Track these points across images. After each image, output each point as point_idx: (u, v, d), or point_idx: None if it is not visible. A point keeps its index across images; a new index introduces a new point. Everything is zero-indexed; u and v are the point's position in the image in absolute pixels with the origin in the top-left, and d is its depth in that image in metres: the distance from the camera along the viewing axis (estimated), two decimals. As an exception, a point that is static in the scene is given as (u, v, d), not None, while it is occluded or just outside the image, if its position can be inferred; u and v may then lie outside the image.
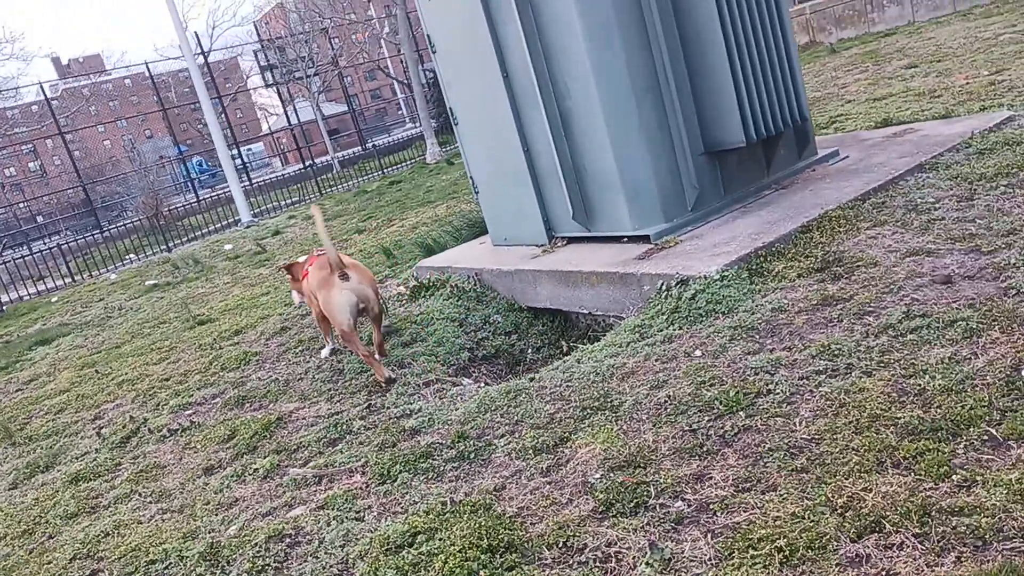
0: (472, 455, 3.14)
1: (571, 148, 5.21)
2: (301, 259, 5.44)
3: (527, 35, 5.00)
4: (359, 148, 31.87)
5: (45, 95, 27.96)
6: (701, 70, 4.88)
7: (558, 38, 4.94)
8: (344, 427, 3.88)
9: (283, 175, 27.69)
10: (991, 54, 8.30)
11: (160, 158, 49.54)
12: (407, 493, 3.00)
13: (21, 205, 55.30)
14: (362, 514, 2.93)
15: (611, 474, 2.64)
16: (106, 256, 17.96)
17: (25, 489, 4.30)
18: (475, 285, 5.76)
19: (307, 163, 26.64)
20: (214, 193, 32.17)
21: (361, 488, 3.17)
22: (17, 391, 6.88)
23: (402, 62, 63.14)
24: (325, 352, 5.26)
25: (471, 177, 6.33)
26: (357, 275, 4.56)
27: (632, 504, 2.43)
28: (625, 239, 5.08)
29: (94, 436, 4.86)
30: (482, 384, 4.52)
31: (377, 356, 4.65)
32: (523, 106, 5.43)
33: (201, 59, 23.02)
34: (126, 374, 6.16)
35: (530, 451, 3.02)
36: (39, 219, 55.23)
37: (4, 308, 13.40)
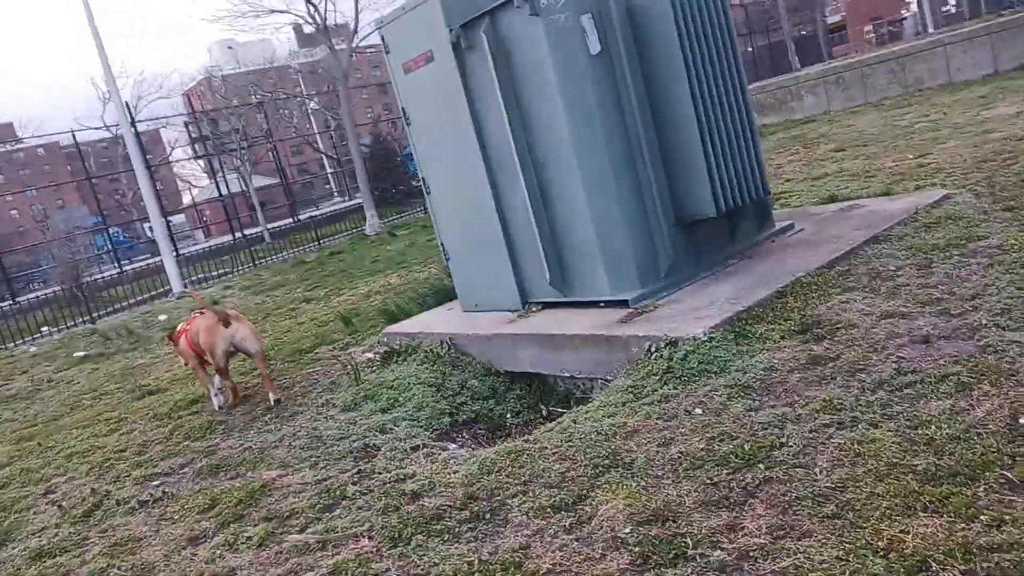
0: (487, 516, 3.11)
1: (549, 217, 5.38)
2: (180, 327, 6.39)
3: (508, 112, 5.21)
4: (290, 220, 31.57)
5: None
6: (674, 146, 5.17)
7: (539, 114, 5.17)
8: (337, 492, 3.77)
9: (210, 246, 27.13)
10: (911, 140, 9.08)
11: (75, 228, 47.69)
12: (424, 555, 2.94)
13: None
14: (382, 578, 2.85)
15: (641, 528, 2.67)
16: (21, 328, 16.99)
17: (-23, 570, 3.96)
18: (448, 350, 5.76)
19: (237, 235, 26.20)
20: (132, 265, 31.09)
21: (372, 552, 3.08)
22: (-56, 467, 6.36)
23: (331, 137, 63.65)
24: (218, 401, 6.01)
25: (441, 244, 6.42)
26: (236, 324, 5.78)
27: (671, 556, 2.46)
28: (602, 304, 5.22)
29: (52, 510, 4.54)
30: (466, 448, 4.49)
31: (268, 387, 5.77)
32: (500, 177, 5.61)
33: (133, 129, 22.61)
34: (73, 446, 5.80)
35: (548, 510, 3.02)
36: (-63, 290, 51.90)
37: (-90, 382, 12.41)
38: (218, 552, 3.43)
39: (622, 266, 5.13)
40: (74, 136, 24.88)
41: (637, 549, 2.53)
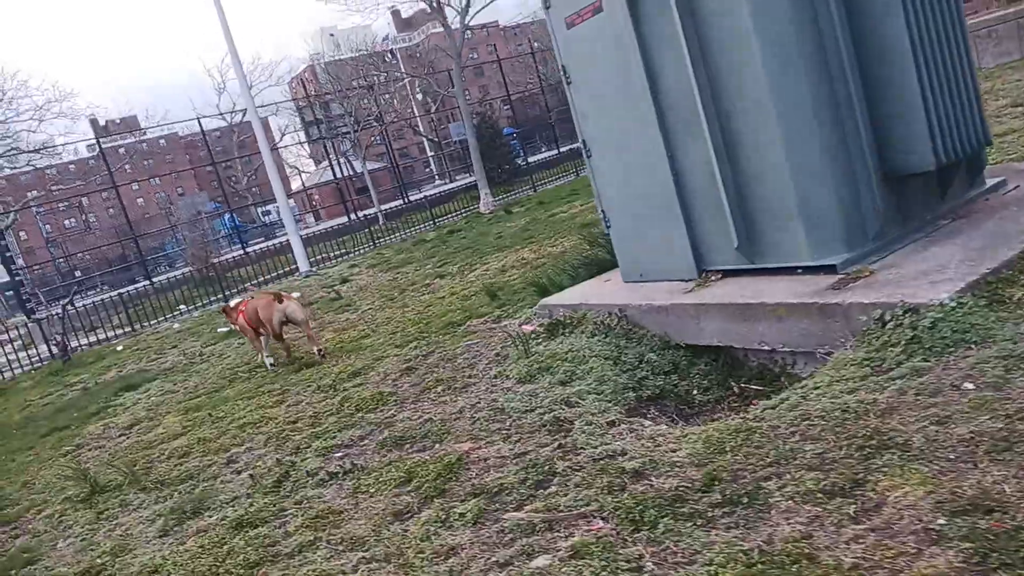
0: (742, 499, 2.76)
1: (734, 175, 4.93)
2: (232, 303, 8.48)
3: (692, 58, 4.78)
4: (400, 201, 32.06)
5: (102, 151, 28.53)
6: (884, 92, 4.62)
7: (727, 60, 4.71)
8: (544, 468, 3.52)
9: (324, 229, 27.82)
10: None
11: (197, 213, 50.25)
12: (679, 540, 2.62)
13: (59, 261, 56.08)
14: (637, 564, 2.55)
15: (959, 519, 2.25)
16: (157, 307, 17.86)
17: (181, 536, 3.95)
18: (619, 322, 5.43)
19: (352, 216, 26.77)
20: (251, 247, 32.33)
21: (612, 534, 2.79)
22: (120, 436, 6.58)
23: (432, 120, 64.30)
24: (269, 362, 7.70)
25: (602, 211, 6.07)
26: (287, 300, 7.49)
27: (1020, 554, 2.04)
28: (799, 270, 4.75)
29: (239, 479, 4.53)
30: (663, 425, 4.15)
31: (315, 345, 7.41)
32: (675, 133, 5.20)
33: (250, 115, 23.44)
34: (244, 417, 5.84)
35: (818, 495, 2.64)
36: (77, 274, 56.00)
37: (70, 356, 13.23)
38: (431, 528, 3.23)
39: (825, 227, 4.63)
40: (200, 123, 26.06)
41: (969, 545, 2.12)
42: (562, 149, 35.28)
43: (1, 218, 26.69)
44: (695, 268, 5.37)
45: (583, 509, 3.03)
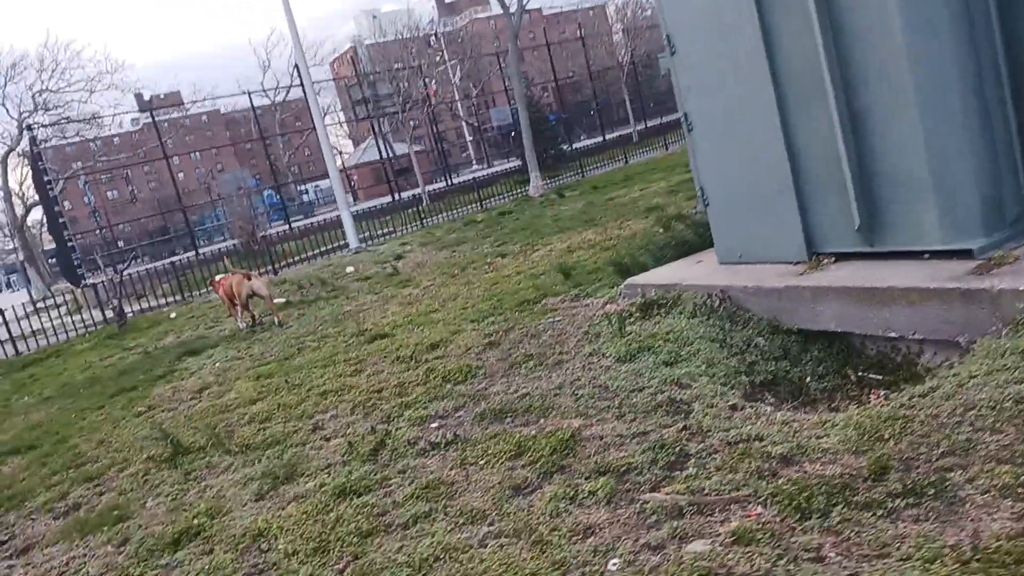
0: (927, 491, 2.50)
1: (858, 150, 4.63)
2: (218, 278, 10.18)
3: (820, 21, 4.48)
4: (443, 183, 31.91)
5: (155, 123, 28.80)
6: (1034, 64, 4.28)
7: (857, 24, 4.41)
8: (675, 449, 3.29)
9: (367, 208, 27.76)
10: None
11: (239, 188, 50.63)
12: (860, 531, 2.38)
13: (103, 231, 56.95)
14: (817, 554, 2.32)
15: None
16: (205, 277, 17.90)
17: (279, 501, 3.79)
18: (720, 304, 5.17)
19: (396, 196, 26.69)
20: (293, 223, 32.41)
21: (776, 521, 2.56)
22: (191, 399, 6.49)
23: (472, 105, 64.02)
24: (242, 325, 9.51)
25: (700, 189, 5.81)
26: (255, 279, 9.44)
27: None
28: (926, 255, 4.45)
29: (330, 446, 4.37)
30: (791, 412, 3.90)
31: (276, 317, 9.32)
32: (792, 104, 4.91)
33: (299, 93, 23.45)
34: (324, 385, 5.69)
35: (1019, 489, 2.37)
36: (120, 244, 56.90)
37: (126, 321, 13.29)
38: (560, 505, 3.03)
39: (961, 209, 4.33)
40: (250, 98, 26.09)
41: None
42: (607, 136, 34.84)
43: (52, 187, 27.05)
44: (805, 250, 5.09)
45: (734, 494, 2.81)
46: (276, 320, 9.21)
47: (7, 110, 36.34)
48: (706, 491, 2.87)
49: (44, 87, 36.13)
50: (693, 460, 3.17)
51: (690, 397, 3.94)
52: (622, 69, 41.74)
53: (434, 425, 4.34)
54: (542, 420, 4.01)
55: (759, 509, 2.66)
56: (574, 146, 33.46)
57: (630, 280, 6.18)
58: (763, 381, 4.44)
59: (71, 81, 37.10)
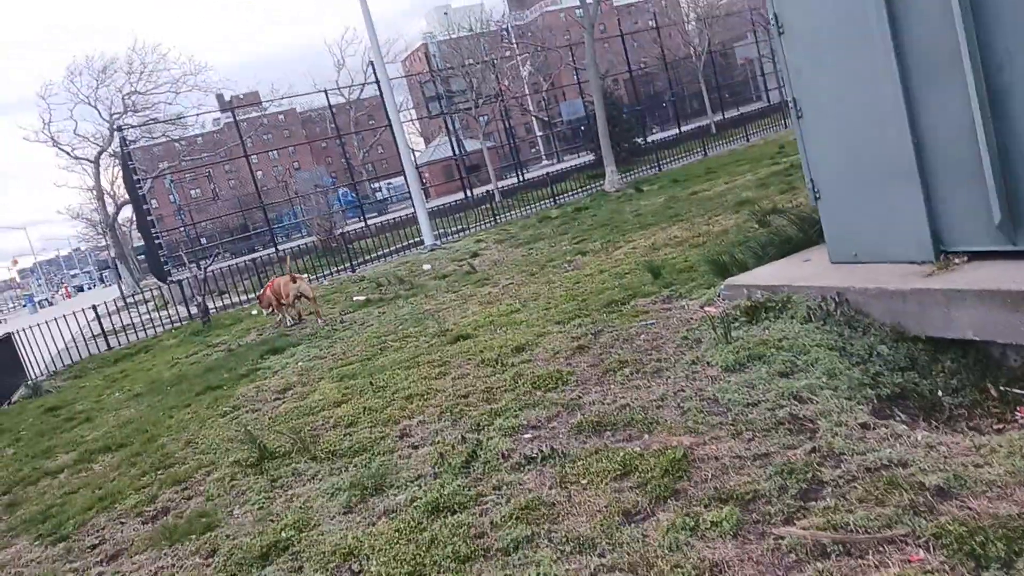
0: None
1: (999, 137, 4.14)
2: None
3: (959, -6, 4.01)
4: (515, 180, 31.74)
5: (237, 124, 29.61)
6: None
7: (1004, -3, 3.92)
8: (804, 475, 2.94)
9: (440, 205, 27.83)
10: None
11: (315, 187, 51.76)
12: (1060, 590, 2.00)
13: (187, 228, 59.12)
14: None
15: None
16: (283, 274, 18.16)
17: (368, 515, 3.61)
18: (837, 307, 4.74)
19: (468, 192, 26.65)
20: (369, 221, 32.80)
21: (944, 570, 2.19)
22: (275, 399, 6.44)
23: (542, 100, 63.64)
24: (285, 322, 10.71)
25: (811, 180, 5.37)
26: (299, 281, 10.43)
27: None
28: (1085, 255, 3.93)
29: (419, 455, 4.17)
30: (919, 431, 3.47)
31: (318, 317, 10.29)
32: (918, 86, 4.45)
33: (373, 91, 23.66)
34: (409, 388, 5.52)
35: None
36: (203, 241, 59.03)
37: (210, 318, 13.57)
38: (679, 536, 2.72)
39: None
40: (327, 95, 26.40)
41: None
42: (683, 128, 33.96)
43: (140, 186, 28.12)
44: (932, 249, 4.62)
45: (887, 532, 2.44)
46: (319, 320, 10.12)
47: (99, 112, 38.03)
48: (851, 527, 2.52)
49: (133, 89, 37.69)
50: (829, 489, 2.81)
51: (813, 413, 3.56)
52: (698, 59, 40.66)
53: (527, 436, 4.08)
54: (646, 436, 3.71)
55: (921, 553, 2.30)
56: (649, 139, 32.73)
57: (730, 280, 5.78)
58: (890, 395, 4.00)
59: (158, 83, 38.61)
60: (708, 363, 4.49)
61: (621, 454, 3.51)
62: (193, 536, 3.92)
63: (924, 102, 4.45)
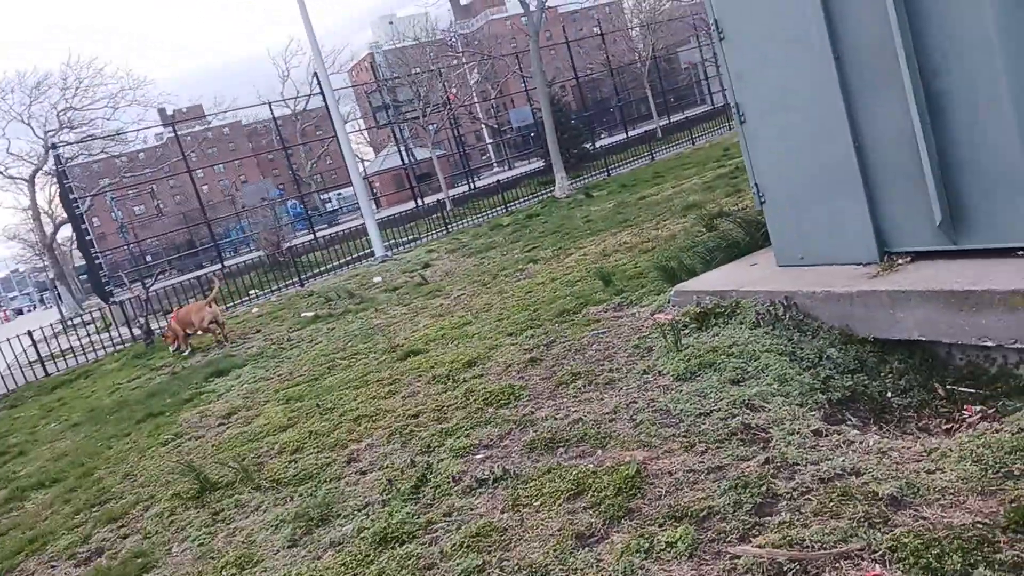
0: (1090, 545, 2.08)
1: (938, 140, 4.19)
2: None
3: None
4: (466, 188, 31.61)
5: (178, 138, 28.89)
6: None
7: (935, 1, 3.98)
8: (760, 488, 2.88)
9: (391, 215, 27.55)
10: None
11: (262, 200, 50.84)
12: (1016, 602, 1.96)
13: (131, 246, 57.39)
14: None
15: None
16: (232, 291, 17.74)
17: (314, 548, 3.45)
18: (786, 311, 4.74)
19: (419, 201, 26.42)
20: (318, 233, 32.29)
21: (904, 586, 2.15)
22: (219, 425, 6.19)
23: (491, 107, 63.70)
24: (182, 350, 10.78)
25: (755, 184, 5.38)
26: (213, 306, 10.78)
27: None
28: (1021, 252, 3.99)
29: (368, 482, 4.01)
30: (879, 436, 3.47)
31: (225, 340, 10.51)
32: (859, 91, 4.49)
33: (319, 101, 23.32)
34: (357, 409, 5.35)
35: None
36: (148, 259, 57.34)
37: (153, 339, 13.11)
38: (634, 560, 2.63)
39: (1063, 201, 3.86)
40: (270, 108, 25.97)
41: None
42: (630, 133, 34.31)
43: (79, 205, 27.19)
44: (876, 250, 4.66)
45: (843, 547, 2.39)
46: (227, 346, 10.34)
47: (33, 130, 36.73)
48: (807, 543, 2.46)
49: (68, 105, 36.48)
50: (784, 503, 2.76)
51: (766, 422, 3.53)
52: (642, 64, 41.16)
53: (479, 456, 3.97)
54: (599, 451, 3.63)
55: (877, 568, 2.25)
56: (597, 144, 32.96)
57: (680, 286, 5.76)
58: (840, 398, 4.00)
59: (94, 99, 37.43)
60: (660, 372, 4.45)
61: (574, 472, 3.42)
62: (127, 580, 3.70)
63: (865, 107, 4.49)
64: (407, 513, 3.50)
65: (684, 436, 3.55)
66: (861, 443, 3.20)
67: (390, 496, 3.75)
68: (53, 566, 4.22)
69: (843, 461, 2.97)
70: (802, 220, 5.08)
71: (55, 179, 34.44)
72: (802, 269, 5.11)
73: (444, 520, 3.37)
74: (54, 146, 26.76)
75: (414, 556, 3.10)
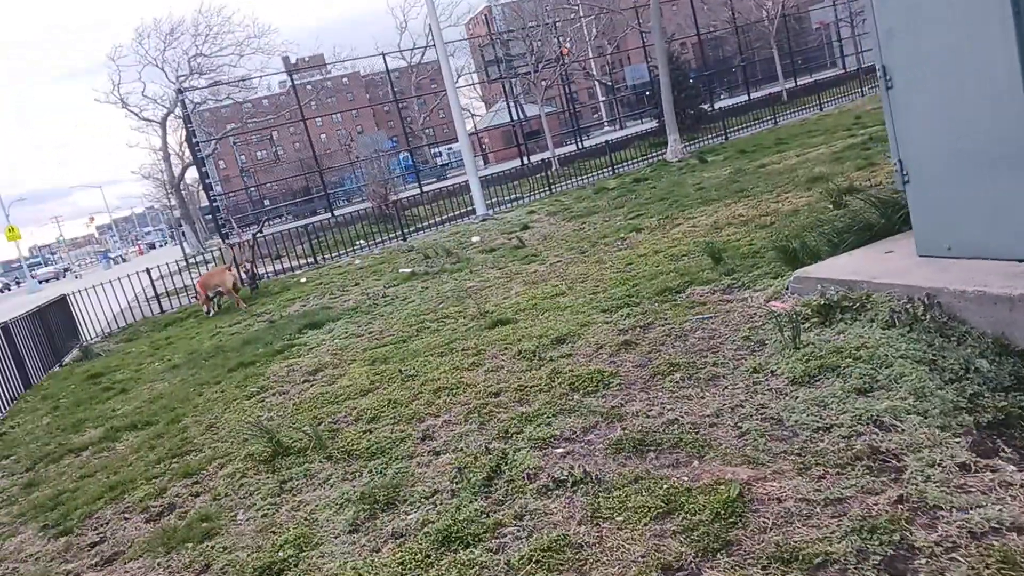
0: None
1: None
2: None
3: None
4: (574, 147, 30.88)
5: (294, 87, 29.57)
6: None
7: None
8: (892, 535, 2.38)
9: (496, 173, 27.29)
10: None
11: (375, 151, 51.76)
12: None
13: (251, 190, 60.04)
14: None
15: None
16: (338, 241, 18.03)
17: (374, 537, 3.21)
18: (926, 311, 4.08)
19: (525, 160, 25.98)
20: (426, 187, 32.49)
21: None
22: (304, 382, 6.12)
23: (606, 64, 62.01)
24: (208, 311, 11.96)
25: (898, 160, 4.66)
26: (233, 270, 12.49)
27: None
28: None
29: (440, 464, 3.74)
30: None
31: (240, 304, 11.80)
32: (1044, 52, 3.69)
33: (434, 54, 23.12)
34: (438, 380, 5.10)
35: None
36: (266, 203, 59.89)
37: (258, 284, 13.46)
38: (729, 609, 2.21)
39: None
40: (384, 59, 26.00)
41: None
42: (752, 95, 32.43)
43: (203, 147, 28.46)
44: (1047, 245, 3.90)
45: (1003, 635, 1.88)
46: (241, 306, 11.67)
47: (166, 74, 38.63)
48: (953, 622, 1.97)
49: (198, 52, 38.09)
50: (924, 560, 2.26)
51: (899, 446, 2.98)
52: (770, 23, 38.70)
53: (559, 451, 3.61)
54: (696, 462, 3.18)
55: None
56: (716, 106, 31.37)
57: (801, 271, 5.14)
58: (992, 422, 3.36)
59: (222, 45, 38.95)
60: (772, 372, 3.92)
61: (665, 486, 3.00)
62: (190, 544, 3.60)
63: (1049, 70, 3.71)
64: (475, 510, 3.20)
65: (798, 455, 3.06)
66: (1021, 486, 2.62)
67: (460, 486, 3.46)
68: (126, 518, 4.21)
69: (999, 511, 2.42)
70: (954, 204, 4.35)
71: (184, 122, 36.24)
72: (948, 262, 4.40)
73: (514, 524, 3.04)
74: (182, 90, 27.96)
75: (477, 565, 2.79)
